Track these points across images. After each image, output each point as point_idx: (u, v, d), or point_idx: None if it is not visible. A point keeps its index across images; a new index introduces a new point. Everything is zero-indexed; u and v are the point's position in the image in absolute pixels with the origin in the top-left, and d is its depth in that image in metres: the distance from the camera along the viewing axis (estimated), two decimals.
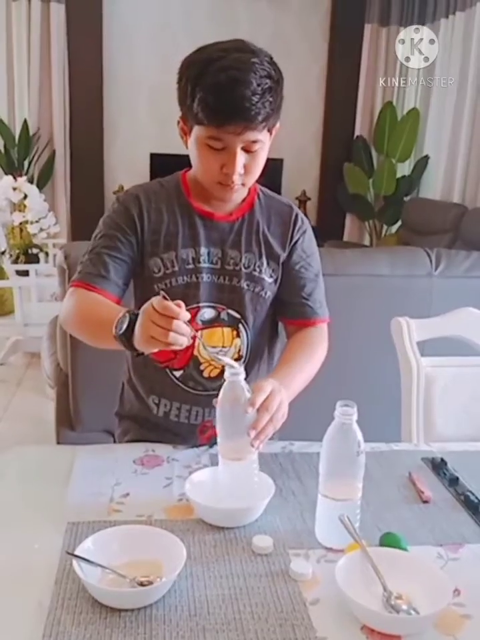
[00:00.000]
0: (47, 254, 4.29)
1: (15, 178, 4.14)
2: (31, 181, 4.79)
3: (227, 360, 1.15)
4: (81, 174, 5.57)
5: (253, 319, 1.35)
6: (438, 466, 1.31)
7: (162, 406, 1.39)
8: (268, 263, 1.35)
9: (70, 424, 2.39)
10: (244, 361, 1.36)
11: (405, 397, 1.61)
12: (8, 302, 4.03)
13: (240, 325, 1.35)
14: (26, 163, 5.26)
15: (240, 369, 1.09)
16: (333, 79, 5.79)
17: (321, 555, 1.03)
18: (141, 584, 0.90)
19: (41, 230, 4.09)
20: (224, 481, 1.13)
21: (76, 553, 0.93)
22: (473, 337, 1.62)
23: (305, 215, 5.18)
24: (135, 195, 1.33)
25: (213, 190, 1.28)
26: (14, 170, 5.03)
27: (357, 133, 5.77)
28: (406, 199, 5.45)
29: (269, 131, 1.23)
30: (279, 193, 1.75)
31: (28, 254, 4.11)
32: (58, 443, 2.42)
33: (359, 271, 2.41)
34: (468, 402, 1.61)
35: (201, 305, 1.32)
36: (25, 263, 4.05)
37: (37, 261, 4.12)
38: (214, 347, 1.33)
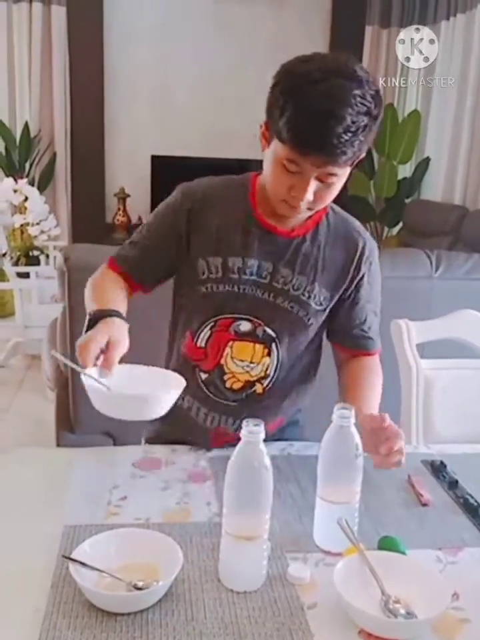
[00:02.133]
0: (47, 256, 4.29)
1: (15, 180, 4.15)
2: (31, 183, 4.79)
3: None
4: (82, 176, 5.56)
5: (289, 341, 1.31)
6: (437, 469, 1.30)
7: (185, 400, 1.37)
8: (320, 290, 1.29)
9: (70, 426, 2.39)
10: (270, 381, 1.33)
11: (404, 399, 1.60)
12: (8, 304, 4.03)
13: (273, 344, 1.31)
14: (27, 165, 5.26)
15: (260, 428, 0.93)
16: None
17: (319, 558, 1.02)
18: (138, 588, 0.90)
19: (42, 232, 4.09)
20: (228, 565, 0.96)
21: (72, 556, 0.93)
22: (473, 339, 1.61)
23: None
24: (195, 190, 1.31)
25: (277, 206, 1.23)
26: (15, 172, 5.02)
27: None
28: (407, 200, 5.43)
29: (352, 164, 1.16)
30: None
31: (28, 256, 4.11)
32: (58, 445, 2.42)
33: None
34: (467, 404, 1.60)
35: (237, 316, 1.29)
36: (26, 265, 4.05)
37: (38, 263, 4.12)
38: (242, 360, 1.31)
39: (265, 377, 1.33)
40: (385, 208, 5.54)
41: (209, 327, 1.31)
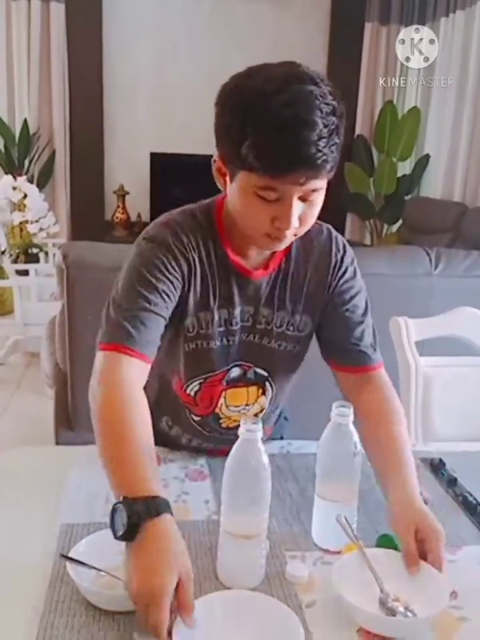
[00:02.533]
0: (46, 253, 4.28)
1: (14, 177, 4.14)
2: (31, 181, 4.79)
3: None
4: (81, 173, 5.55)
5: (281, 375, 1.27)
6: (436, 467, 1.30)
7: (174, 430, 1.33)
8: (301, 318, 1.22)
9: (68, 424, 2.39)
10: (265, 412, 1.30)
11: (403, 396, 1.60)
12: (8, 301, 4.03)
13: (267, 383, 1.26)
14: (26, 163, 5.25)
15: (258, 426, 0.91)
16: (333, 78, 5.55)
17: (317, 557, 1.02)
18: None
19: (41, 229, 4.09)
20: (226, 564, 0.95)
21: (70, 555, 0.93)
22: (472, 337, 1.61)
23: None
24: (175, 238, 1.13)
25: (258, 242, 1.11)
26: (14, 169, 5.02)
27: (358, 131, 5.75)
28: (407, 197, 5.44)
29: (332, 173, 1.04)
30: None
31: (28, 253, 4.11)
32: (57, 443, 2.42)
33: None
34: (467, 402, 1.60)
35: (229, 365, 1.23)
36: (25, 262, 4.05)
37: (37, 261, 4.12)
38: (237, 406, 1.26)
39: (261, 411, 1.30)
40: (385, 205, 5.54)
41: (198, 382, 1.24)
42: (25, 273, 3.96)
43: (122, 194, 5.49)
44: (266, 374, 1.25)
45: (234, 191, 1.05)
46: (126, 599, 0.87)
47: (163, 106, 5.64)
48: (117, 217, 5.52)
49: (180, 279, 1.13)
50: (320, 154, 0.95)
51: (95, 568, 0.91)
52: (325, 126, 0.95)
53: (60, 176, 5.46)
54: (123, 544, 0.88)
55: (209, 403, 1.26)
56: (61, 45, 5.29)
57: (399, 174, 5.42)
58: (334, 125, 0.96)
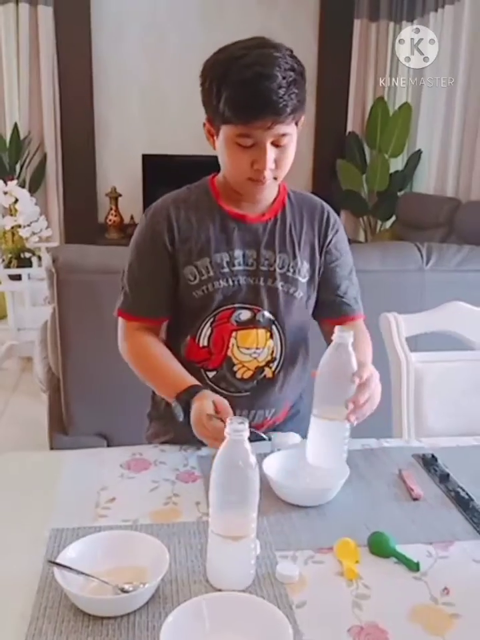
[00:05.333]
0: (39, 258, 4.26)
1: (5, 182, 4.12)
2: (22, 185, 4.77)
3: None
4: (73, 177, 5.53)
5: (287, 320, 1.35)
6: (428, 462, 1.29)
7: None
8: (302, 263, 1.34)
9: (62, 428, 2.38)
10: (277, 364, 1.36)
11: (394, 392, 1.59)
12: (1, 307, 4.01)
13: (273, 326, 1.34)
14: (17, 167, 5.23)
15: (245, 426, 0.91)
16: (323, 75, 5.75)
17: (308, 556, 1.01)
18: (125, 591, 0.89)
19: (33, 234, 4.07)
20: (215, 565, 0.95)
21: (58, 560, 0.92)
22: (462, 331, 1.60)
23: None
24: (163, 208, 1.33)
25: (244, 187, 1.27)
26: (5, 174, 5.00)
27: (349, 128, 5.74)
28: (399, 194, 5.43)
29: (296, 123, 1.23)
30: None
31: (20, 258, 4.08)
32: (51, 447, 2.41)
33: None
34: (458, 397, 1.59)
35: (236, 305, 1.32)
36: (18, 267, 4.02)
37: (30, 265, 4.09)
38: (248, 348, 1.33)
39: (273, 360, 1.36)
40: (378, 202, 5.54)
41: (209, 323, 1.33)
42: (18, 277, 3.94)
43: (114, 196, 5.48)
44: (272, 317, 1.34)
45: (220, 144, 1.24)
46: (115, 603, 0.87)
47: (154, 107, 5.62)
48: (110, 220, 5.51)
49: (162, 248, 1.31)
50: (281, 101, 1.14)
51: (83, 573, 0.91)
52: (284, 78, 1.14)
53: (52, 180, 5.44)
54: (110, 549, 0.95)
55: (221, 346, 1.33)
56: (50, 49, 5.26)
57: (392, 170, 5.41)
58: (292, 78, 1.16)
